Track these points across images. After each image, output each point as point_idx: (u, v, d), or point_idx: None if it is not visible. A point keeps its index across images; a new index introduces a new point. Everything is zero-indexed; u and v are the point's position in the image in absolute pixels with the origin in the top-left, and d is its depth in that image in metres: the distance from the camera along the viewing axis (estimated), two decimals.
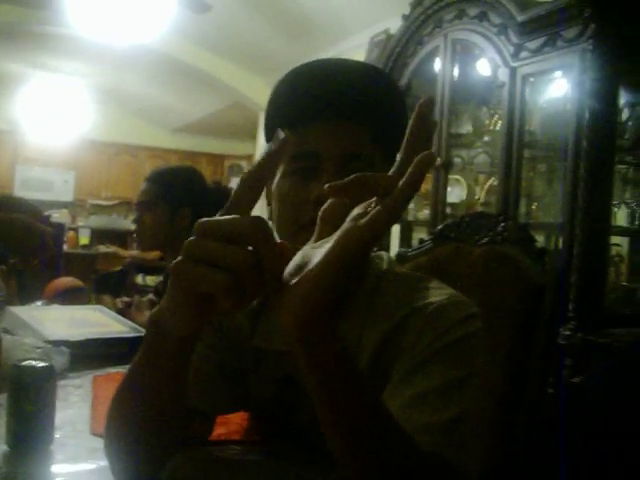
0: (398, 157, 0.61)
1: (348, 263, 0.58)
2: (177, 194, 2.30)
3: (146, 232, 2.34)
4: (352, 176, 0.60)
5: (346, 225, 0.58)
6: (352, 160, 0.94)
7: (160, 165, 2.47)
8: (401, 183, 0.57)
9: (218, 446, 1.09)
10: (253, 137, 7.14)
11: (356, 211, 0.59)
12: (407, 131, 0.61)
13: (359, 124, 0.96)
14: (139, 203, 2.37)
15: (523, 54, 2.81)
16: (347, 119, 0.95)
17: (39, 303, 2.50)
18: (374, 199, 0.59)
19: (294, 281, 0.59)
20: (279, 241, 0.61)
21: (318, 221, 0.63)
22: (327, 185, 0.61)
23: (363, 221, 0.57)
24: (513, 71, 2.87)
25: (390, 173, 0.60)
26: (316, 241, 0.62)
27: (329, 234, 0.60)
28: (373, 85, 1.00)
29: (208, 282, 0.59)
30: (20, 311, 2.04)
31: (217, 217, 0.62)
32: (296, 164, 0.96)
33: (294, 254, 0.61)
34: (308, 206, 0.92)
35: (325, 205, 0.63)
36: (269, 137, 1.05)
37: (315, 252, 0.59)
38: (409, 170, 0.57)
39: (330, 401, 0.64)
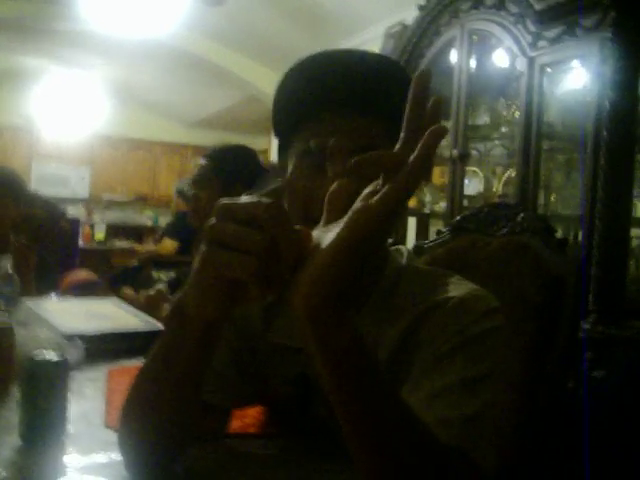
0: (401, 135, 0.59)
1: (359, 244, 0.56)
2: (232, 171, 2.28)
3: (201, 208, 2.33)
4: (357, 157, 0.58)
5: (356, 205, 0.57)
6: (360, 152, 0.92)
7: (217, 144, 2.46)
8: (412, 157, 0.55)
9: (234, 439, 1.07)
10: (268, 131, 7.13)
11: (366, 191, 0.57)
12: (407, 106, 0.59)
13: (371, 116, 0.92)
14: (194, 180, 2.37)
15: (541, 43, 2.77)
16: (358, 111, 0.92)
17: (54, 296, 2.50)
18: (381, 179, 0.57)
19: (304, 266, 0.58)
20: (298, 226, 0.60)
21: (325, 205, 0.62)
22: (332, 173, 0.60)
23: (374, 200, 0.55)
24: (531, 61, 2.83)
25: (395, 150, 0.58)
26: (325, 226, 0.60)
27: (337, 218, 0.58)
28: (384, 75, 0.96)
29: (236, 267, 0.59)
30: (35, 304, 2.04)
31: (236, 199, 0.62)
32: (307, 158, 0.93)
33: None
34: (319, 201, 0.90)
35: (332, 188, 0.61)
36: (279, 131, 1.02)
37: (324, 236, 0.58)
38: (420, 144, 0.55)
39: (341, 391, 0.63)
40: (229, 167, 2.31)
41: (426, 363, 0.85)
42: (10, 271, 1.93)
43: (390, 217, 0.57)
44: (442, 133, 0.55)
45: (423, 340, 0.87)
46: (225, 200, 0.63)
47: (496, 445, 0.85)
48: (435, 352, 0.85)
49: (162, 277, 4.09)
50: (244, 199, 0.62)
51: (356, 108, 0.92)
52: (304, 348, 0.62)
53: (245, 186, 2.27)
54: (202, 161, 2.39)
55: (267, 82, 6.30)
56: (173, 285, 2.58)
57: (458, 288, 0.92)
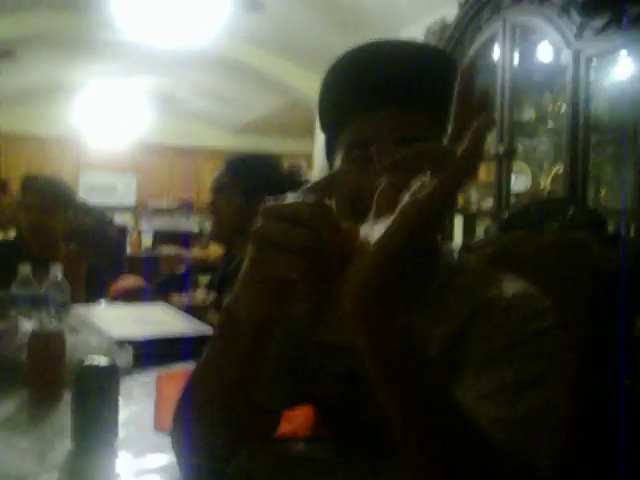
0: (449, 128, 0.58)
1: (408, 241, 0.55)
2: (251, 179, 2.29)
3: (221, 216, 2.34)
4: (403, 152, 0.57)
5: (404, 200, 0.56)
6: (409, 144, 0.90)
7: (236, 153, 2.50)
8: (460, 150, 0.53)
9: (284, 443, 1.07)
10: (311, 135, 7.13)
11: (414, 186, 0.56)
12: (454, 100, 0.58)
13: (416, 108, 0.91)
14: (214, 188, 2.38)
15: (586, 34, 2.71)
16: (402, 104, 0.90)
17: (103, 302, 2.53)
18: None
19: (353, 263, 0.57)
20: (346, 224, 0.60)
21: (375, 201, 0.61)
22: (379, 164, 0.59)
23: (422, 194, 0.54)
24: (576, 53, 2.77)
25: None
26: (373, 222, 0.59)
27: (385, 214, 0.57)
28: (428, 65, 0.94)
29: (285, 267, 0.59)
30: (85, 310, 2.07)
31: (281, 199, 0.63)
32: (352, 153, 0.92)
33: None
34: (367, 194, 0.88)
35: (380, 184, 0.61)
36: (326, 126, 1.02)
37: (373, 232, 0.57)
38: (468, 137, 0.53)
39: (391, 390, 0.62)
40: (249, 177, 2.32)
41: (478, 362, 0.83)
42: (60, 278, 1.96)
43: (439, 212, 0.55)
44: (489, 124, 0.54)
45: (475, 339, 0.86)
46: (271, 201, 0.63)
47: (551, 446, 0.83)
48: (488, 351, 0.83)
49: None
50: (289, 198, 0.62)
51: (402, 100, 0.90)
52: (352, 345, 0.61)
53: (267, 195, 2.26)
54: (221, 170, 2.40)
55: (309, 85, 6.30)
56: (211, 287, 2.59)
57: (511, 286, 0.90)
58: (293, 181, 2.32)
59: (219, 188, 2.36)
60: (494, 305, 0.88)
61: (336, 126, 0.96)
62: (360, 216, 0.66)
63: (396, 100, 0.90)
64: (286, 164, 2.60)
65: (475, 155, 0.54)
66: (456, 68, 0.99)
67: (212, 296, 2.46)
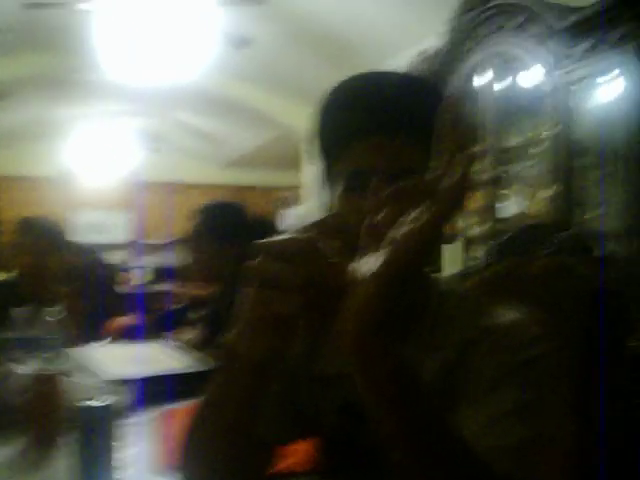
0: (438, 160, 0.60)
1: (399, 272, 0.57)
2: (226, 228, 2.36)
3: (198, 264, 2.40)
4: (391, 188, 0.59)
5: (394, 233, 0.57)
6: (403, 176, 0.91)
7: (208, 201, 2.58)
8: (449, 182, 0.55)
9: (286, 478, 1.07)
10: (298, 167, 7.17)
11: (405, 219, 0.58)
12: (441, 133, 0.60)
13: (408, 138, 0.91)
14: (190, 238, 2.44)
15: (568, 61, 2.76)
16: (394, 133, 0.91)
17: (99, 343, 2.52)
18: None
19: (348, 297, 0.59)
20: (337, 259, 0.61)
21: (364, 235, 0.62)
22: (367, 203, 0.61)
23: (412, 227, 0.56)
24: (558, 79, 2.82)
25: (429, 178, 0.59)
26: (365, 255, 0.61)
27: (377, 247, 0.59)
28: (419, 96, 0.96)
29: (282, 304, 0.62)
30: (80, 351, 2.06)
31: (275, 239, 0.65)
32: (348, 183, 0.93)
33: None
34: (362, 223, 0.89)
35: (366, 221, 0.62)
36: (322, 156, 1.02)
37: (365, 265, 0.59)
38: (456, 169, 0.55)
39: (387, 421, 0.63)
40: (221, 226, 2.44)
41: (477, 391, 0.83)
42: (57, 320, 1.96)
43: (428, 243, 0.57)
44: (473, 158, 0.56)
45: (472, 368, 0.86)
46: (266, 240, 0.65)
47: (551, 472, 0.83)
48: (486, 380, 0.84)
49: None
50: (281, 237, 0.64)
51: (390, 130, 0.91)
52: (350, 377, 0.62)
53: (239, 243, 2.33)
54: (193, 220, 2.51)
55: (296, 118, 6.35)
56: (211, 322, 2.60)
57: (504, 316, 0.91)
58: (260, 227, 2.43)
59: (195, 239, 2.46)
60: (489, 335, 0.88)
61: (333, 155, 0.97)
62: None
63: (389, 129, 0.91)
64: (275, 197, 2.73)
65: (463, 187, 0.56)
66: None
67: (204, 333, 2.46)
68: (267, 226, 2.51)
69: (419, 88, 0.98)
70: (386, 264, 0.57)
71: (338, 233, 0.66)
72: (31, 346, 1.83)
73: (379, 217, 0.62)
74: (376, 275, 0.57)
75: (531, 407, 0.81)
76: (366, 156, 0.92)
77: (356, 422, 0.94)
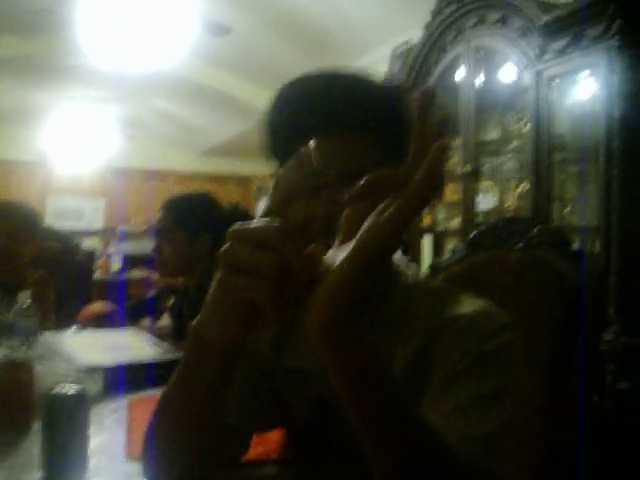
0: (410, 152, 0.60)
1: (369, 261, 0.58)
2: (194, 220, 2.31)
3: (165, 259, 2.36)
4: (364, 179, 0.59)
5: (366, 224, 0.57)
6: (358, 175, 0.89)
7: (177, 192, 2.52)
8: (419, 174, 0.55)
9: (254, 466, 1.06)
10: None
11: (376, 210, 0.58)
12: (414, 125, 0.60)
13: (362, 137, 0.91)
14: (157, 231, 2.39)
15: (547, 56, 2.78)
16: (348, 133, 0.91)
17: (73, 328, 2.50)
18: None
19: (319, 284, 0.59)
20: (312, 247, 0.61)
21: (341, 227, 0.62)
22: (344, 197, 0.61)
23: (383, 217, 0.56)
24: (538, 74, 2.83)
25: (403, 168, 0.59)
26: (339, 246, 0.61)
27: (351, 239, 0.59)
28: (373, 96, 0.95)
29: (252, 290, 0.61)
30: (53, 338, 2.04)
31: (248, 224, 0.64)
32: (303, 183, 0.92)
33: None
34: (315, 222, 0.88)
35: (345, 212, 0.62)
36: (273, 153, 1.01)
37: (338, 255, 0.59)
38: (426, 161, 0.55)
39: (360, 409, 0.63)
40: (191, 217, 2.35)
41: (441, 382, 0.84)
42: (28, 305, 1.94)
43: (399, 234, 0.57)
44: (445, 148, 0.56)
45: (436, 359, 0.86)
46: (237, 225, 0.64)
47: (519, 462, 0.84)
48: (449, 371, 0.84)
49: None
50: (255, 223, 0.63)
51: (344, 130, 0.91)
52: (320, 370, 0.62)
53: (212, 235, 2.30)
54: (161, 213, 2.41)
55: None
56: (177, 312, 2.58)
57: (469, 305, 0.91)
58: (235, 217, 2.36)
59: (161, 232, 2.38)
60: (453, 325, 0.88)
61: (286, 153, 0.97)
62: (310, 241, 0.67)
63: (342, 129, 0.91)
64: (255, 186, 2.66)
65: (433, 179, 0.56)
66: (404, 101, 0.99)
67: (179, 321, 2.45)
68: (242, 215, 2.45)
69: (373, 88, 0.97)
70: (356, 253, 0.57)
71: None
72: (4, 330, 1.81)
73: (354, 207, 0.62)
74: (346, 264, 0.58)
75: (497, 395, 0.81)
76: (316, 158, 0.91)
77: (327, 416, 0.94)
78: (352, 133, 0.91)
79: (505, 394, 0.82)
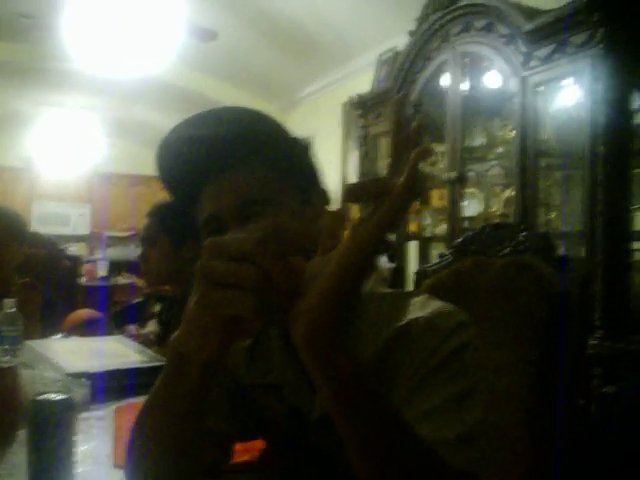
0: (390, 161, 0.60)
1: (355, 268, 0.58)
2: (179, 227, 2.28)
3: (151, 267, 2.33)
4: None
5: (350, 233, 0.58)
6: (255, 205, 0.90)
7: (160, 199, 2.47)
8: (399, 182, 0.56)
9: (237, 474, 1.06)
10: None
11: (358, 220, 0.58)
12: (391, 133, 0.61)
13: (256, 170, 0.92)
14: (142, 239, 2.36)
15: (533, 63, 2.79)
16: (238, 167, 0.91)
17: (59, 336, 2.49)
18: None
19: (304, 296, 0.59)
20: (292, 259, 0.61)
21: (321, 240, 0.63)
22: (332, 210, 0.62)
23: (367, 224, 0.57)
24: (524, 80, 2.85)
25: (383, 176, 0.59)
26: (322, 255, 0.61)
27: (332, 248, 0.59)
28: (258, 128, 0.96)
29: (234, 304, 0.59)
30: (39, 344, 2.03)
31: (225, 236, 0.63)
32: (207, 229, 0.93)
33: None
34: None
35: (326, 221, 0.63)
36: (177, 201, 1.01)
37: (322, 264, 0.59)
38: (405, 169, 0.56)
39: (350, 415, 0.63)
40: (176, 225, 2.29)
41: (406, 389, 0.83)
42: (13, 312, 1.92)
43: (382, 239, 0.58)
44: (424, 153, 0.56)
45: (397, 366, 0.85)
46: (213, 238, 0.63)
47: (494, 460, 0.84)
48: (411, 378, 0.83)
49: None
50: (232, 235, 0.62)
51: (233, 165, 0.91)
52: (289, 382, 0.62)
53: (196, 240, 2.27)
54: (146, 220, 2.37)
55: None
56: (166, 320, 2.56)
57: (423, 308, 0.90)
58: None
59: (147, 240, 2.35)
60: (410, 330, 0.87)
61: (187, 200, 0.97)
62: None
63: (231, 164, 0.91)
64: None
65: (411, 186, 0.56)
66: (283, 129, 0.99)
67: (162, 328, 2.43)
68: None
69: (256, 119, 0.97)
70: (342, 261, 0.58)
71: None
72: None
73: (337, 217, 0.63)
74: (333, 272, 0.58)
75: (465, 395, 0.81)
76: (212, 201, 0.92)
77: (303, 427, 0.94)
78: (246, 167, 0.92)
79: (473, 393, 0.82)
